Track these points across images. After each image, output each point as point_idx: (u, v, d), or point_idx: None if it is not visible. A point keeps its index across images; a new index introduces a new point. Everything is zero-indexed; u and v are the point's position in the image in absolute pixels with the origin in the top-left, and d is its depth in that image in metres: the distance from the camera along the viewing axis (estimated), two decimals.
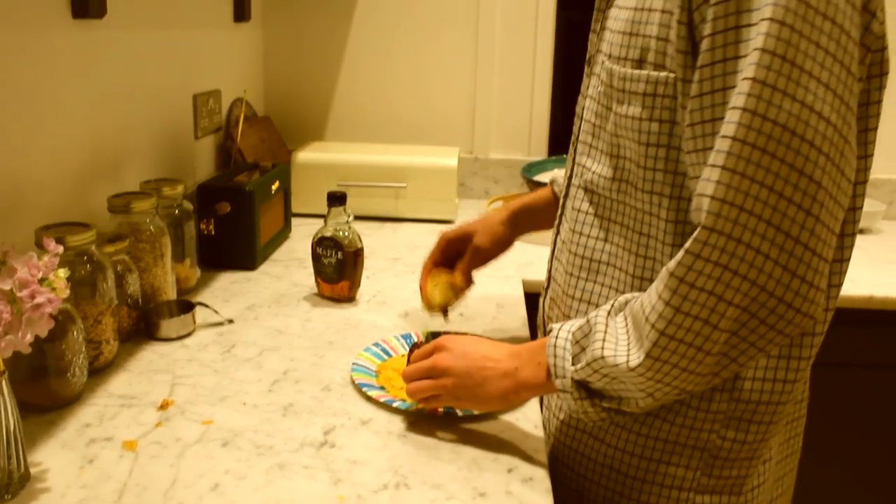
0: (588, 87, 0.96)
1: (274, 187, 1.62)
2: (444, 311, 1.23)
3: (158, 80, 1.53)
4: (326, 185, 1.85)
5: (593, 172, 0.92)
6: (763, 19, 0.68)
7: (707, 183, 0.71)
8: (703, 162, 0.75)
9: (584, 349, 0.82)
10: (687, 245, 0.72)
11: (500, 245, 1.27)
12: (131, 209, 1.21)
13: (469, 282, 1.24)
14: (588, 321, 0.83)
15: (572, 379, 0.82)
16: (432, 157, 1.95)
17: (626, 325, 0.79)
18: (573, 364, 0.83)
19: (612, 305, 0.83)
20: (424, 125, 2.23)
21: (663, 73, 0.80)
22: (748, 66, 0.69)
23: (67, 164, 1.23)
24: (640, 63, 0.83)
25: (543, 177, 2.00)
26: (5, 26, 1.06)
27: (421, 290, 1.24)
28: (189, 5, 1.67)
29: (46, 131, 1.17)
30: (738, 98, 0.69)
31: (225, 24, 1.90)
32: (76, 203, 1.26)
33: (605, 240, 0.92)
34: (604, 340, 0.79)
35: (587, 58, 1.00)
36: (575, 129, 1.00)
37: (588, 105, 0.95)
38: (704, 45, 0.73)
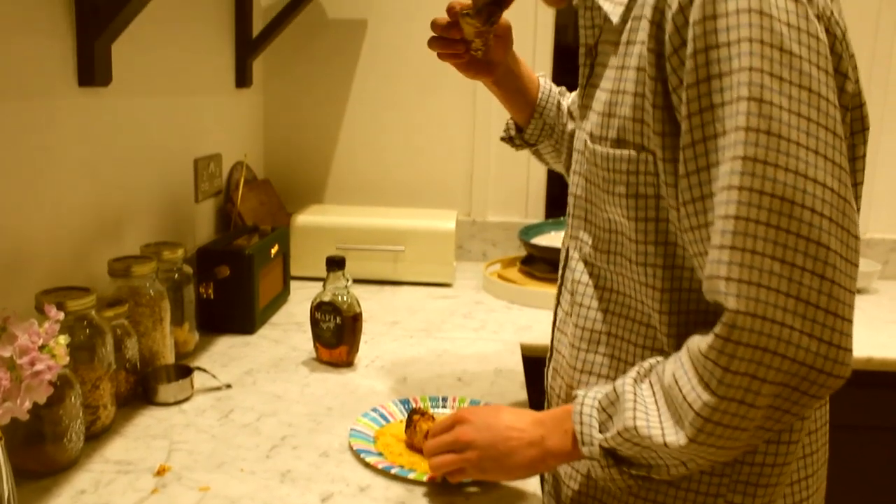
0: (576, 164, 0.98)
1: (273, 251, 1.63)
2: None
3: (161, 144, 1.55)
4: (325, 249, 1.86)
5: (589, 246, 0.94)
6: (741, 98, 0.70)
7: (719, 265, 0.71)
8: (701, 239, 0.76)
9: (611, 417, 0.82)
10: (716, 330, 0.71)
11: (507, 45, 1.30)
12: (131, 273, 1.22)
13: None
14: (614, 389, 0.83)
15: (600, 447, 0.82)
16: (430, 221, 1.96)
17: (655, 396, 0.79)
18: (601, 432, 0.82)
19: (637, 372, 0.83)
20: (422, 188, 2.26)
21: (643, 153, 0.82)
22: (736, 145, 0.70)
23: (69, 228, 1.24)
24: (618, 142, 0.84)
25: (541, 239, 2.01)
26: (14, 94, 1.08)
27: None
28: (193, 72, 1.70)
29: (49, 196, 1.18)
30: (732, 177, 0.70)
31: (227, 89, 1.94)
32: (77, 266, 1.26)
33: (606, 310, 0.93)
34: (634, 410, 0.79)
35: (574, 133, 1.03)
36: (569, 202, 1.01)
37: (577, 181, 0.97)
38: (685, 125, 0.74)
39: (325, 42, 2.21)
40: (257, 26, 2.05)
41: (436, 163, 2.24)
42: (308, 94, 2.23)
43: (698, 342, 0.74)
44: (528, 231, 2.09)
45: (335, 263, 1.36)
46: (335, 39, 2.21)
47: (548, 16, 2.16)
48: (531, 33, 2.17)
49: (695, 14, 0.72)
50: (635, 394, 0.80)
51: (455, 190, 2.26)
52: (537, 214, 2.25)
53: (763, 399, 0.71)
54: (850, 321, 0.72)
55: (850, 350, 0.72)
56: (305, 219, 1.96)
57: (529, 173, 2.24)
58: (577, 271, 0.97)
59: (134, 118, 1.43)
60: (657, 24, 0.77)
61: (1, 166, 1.07)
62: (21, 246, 1.12)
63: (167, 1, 1.51)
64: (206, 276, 1.51)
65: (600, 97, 0.88)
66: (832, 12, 0.76)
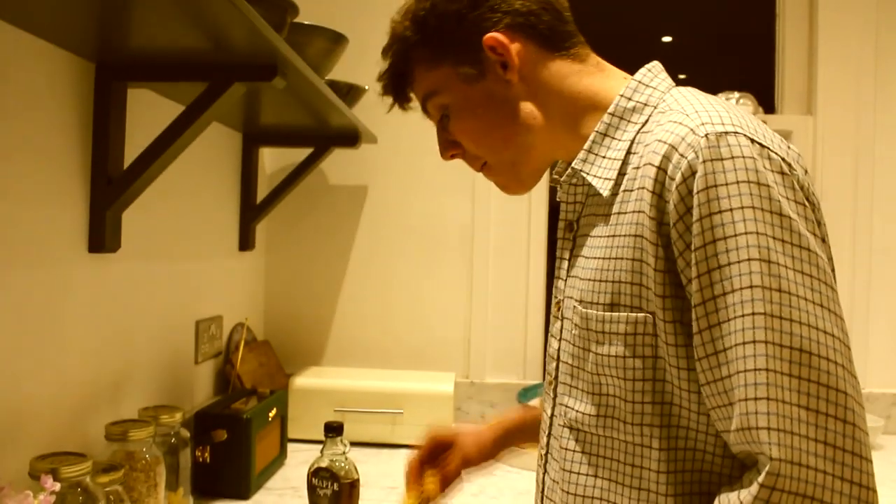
0: (561, 331, 1.00)
1: (271, 414, 1.62)
2: None
3: (164, 307, 1.58)
4: (323, 411, 1.86)
5: (577, 411, 0.94)
6: (751, 259, 0.76)
7: (756, 416, 0.74)
8: (719, 392, 0.78)
9: None
10: (760, 479, 0.73)
11: (485, 457, 1.26)
12: (128, 438, 1.21)
13: (444, 488, 1.22)
14: None
15: None
16: (428, 384, 1.96)
17: None
18: None
19: None
20: (421, 350, 2.27)
21: (641, 314, 0.85)
22: (753, 302, 0.75)
23: (69, 391, 1.25)
24: (612, 306, 0.88)
25: (539, 401, 2.01)
26: (25, 261, 1.12)
27: (406, 486, 1.21)
28: (198, 236, 1.75)
29: (51, 359, 1.20)
30: (755, 332, 0.75)
31: (230, 253, 1.99)
32: (75, 428, 1.26)
33: (596, 475, 0.92)
34: None
35: (554, 303, 1.04)
36: (550, 369, 1.02)
37: (563, 347, 0.98)
38: (695, 286, 0.79)
39: (327, 207, 2.29)
40: (261, 191, 2.13)
41: (434, 325, 2.27)
42: (309, 258, 2.29)
43: (736, 497, 0.75)
44: (525, 393, 2.08)
45: (333, 430, 1.35)
46: (336, 205, 2.29)
47: (539, 242, 2.24)
48: (524, 261, 2.26)
49: (698, 185, 0.78)
50: None
51: (453, 351, 2.27)
52: (535, 375, 2.26)
53: None
54: (871, 461, 0.75)
55: (875, 490, 0.74)
56: (304, 381, 1.96)
57: (527, 335, 2.26)
58: (564, 438, 0.96)
59: (139, 282, 1.47)
60: (658, 194, 0.82)
61: (6, 331, 1.09)
62: (20, 408, 1.12)
63: (176, 169, 1.57)
64: (203, 440, 1.49)
65: (588, 265, 0.92)
66: (808, 184, 0.83)
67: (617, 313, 0.87)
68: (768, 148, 0.80)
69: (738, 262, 0.76)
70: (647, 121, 0.92)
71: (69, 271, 1.24)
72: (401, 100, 1.07)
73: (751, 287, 0.75)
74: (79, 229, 1.26)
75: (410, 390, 1.94)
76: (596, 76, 0.99)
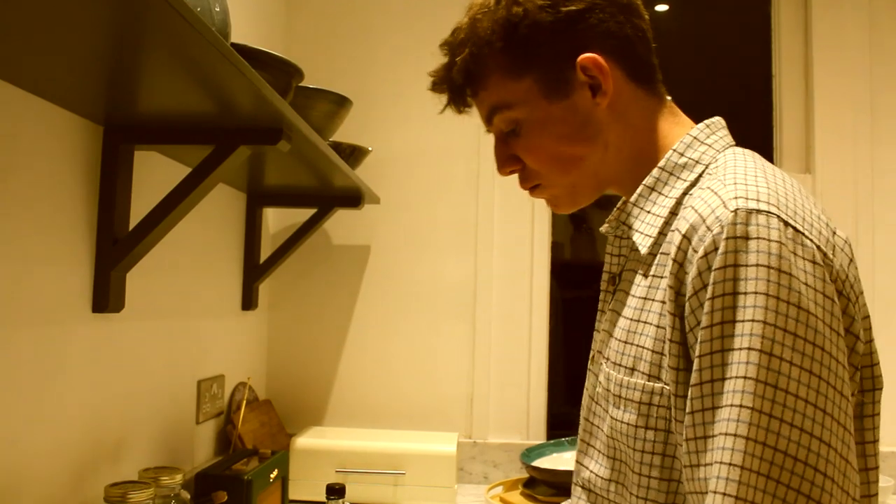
0: (591, 387, 0.98)
1: (272, 475, 1.61)
2: None
3: (166, 367, 1.58)
4: (325, 472, 1.84)
5: (590, 472, 0.93)
6: (751, 349, 0.71)
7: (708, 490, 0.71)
8: (695, 478, 0.75)
9: None
10: None
11: None
12: (128, 500, 1.20)
13: None
14: None
15: None
16: (431, 444, 1.95)
17: None
18: None
19: None
20: (423, 410, 2.26)
21: (658, 384, 0.83)
22: (743, 393, 0.71)
23: (68, 453, 1.24)
24: (631, 371, 0.86)
25: (543, 461, 1.99)
26: (29, 321, 1.13)
27: None
28: (201, 296, 1.76)
29: (51, 420, 1.20)
30: (738, 426, 0.70)
31: (233, 312, 1.99)
32: (73, 490, 1.25)
33: None
34: None
35: (591, 355, 1.02)
36: (581, 423, 1.00)
37: (587, 404, 0.97)
38: (696, 364, 0.76)
39: (330, 267, 2.30)
40: (265, 251, 2.15)
41: (436, 385, 2.26)
42: (311, 317, 2.29)
43: None
44: (529, 453, 2.06)
45: (335, 492, 1.35)
46: (339, 265, 2.30)
47: (544, 234, 2.26)
48: (526, 321, 2.27)
49: (718, 262, 0.75)
50: None
51: (455, 411, 2.26)
52: (538, 436, 2.24)
53: None
54: None
55: None
56: (305, 441, 1.94)
57: (530, 394, 2.25)
58: (575, 497, 0.96)
59: (141, 342, 1.47)
60: (680, 263, 0.80)
61: (6, 389, 1.09)
62: (19, 469, 1.12)
63: (181, 229, 1.59)
64: (204, 502, 1.48)
65: (620, 324, 0.91)
66: (847, 275, 0.78)
67: (635, 379, 0.85)
68: (803, 233, 0.76)
69: (739, 349, 0.72)
70: (696, 179, 0.89)
71: (72, 331, 1.24)
72: (458, 103, 1.00)
73: (745, 378, 0.71)
74: (83, 289, 1.27)
75: (413, 451, 1.92)
76: (669, 119, 0.97)
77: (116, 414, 1.39)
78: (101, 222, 1.30)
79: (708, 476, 0.73)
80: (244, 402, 1.92)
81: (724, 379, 0.73)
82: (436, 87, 1.00)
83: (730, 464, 0.70)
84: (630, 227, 0.93)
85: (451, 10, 2.31)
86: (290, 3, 2.35)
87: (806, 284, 0.73)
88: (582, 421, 0.98)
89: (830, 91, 2.25)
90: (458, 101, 0.99)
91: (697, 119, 0.98)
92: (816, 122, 2.25)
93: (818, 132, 2.25)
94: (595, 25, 0.91)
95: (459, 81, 0.95)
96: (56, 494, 1.21)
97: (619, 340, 0.89)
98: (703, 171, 0.90)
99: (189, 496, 1.40)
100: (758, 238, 0.74)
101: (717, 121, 0.97)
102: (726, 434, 0.71)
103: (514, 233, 2.26)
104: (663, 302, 0.83)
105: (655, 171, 0.92)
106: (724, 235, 0.75)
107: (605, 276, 1.01)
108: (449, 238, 2.29)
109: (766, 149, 2.39)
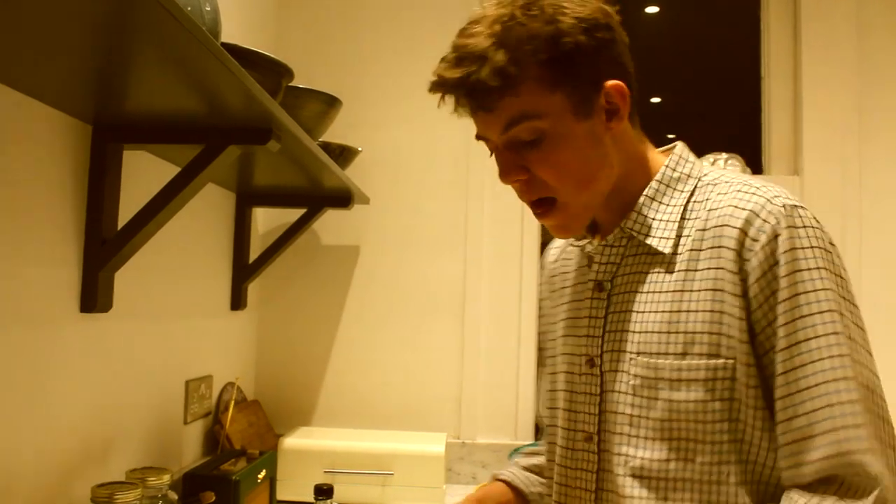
0: (604, 384, 1.03)
1: (260, 476, 1.61)
2: None
3: (154, 367, 1.58)
4: (313, 472, 1.84)
5: (643, 458, 0.98)
6: (831, 310, 0.90)
7: (856, 441, 0.86)
8: (802, 426, 0.89)
9: None
10: (875, 494, 0.85)
11: None
12: (114, 501, 1.19)
13: None
14: None
15: None
16: (419, 445, 1.95)
17: None
18: None
19: None
20: (412, 411, 2.26)
21: (720, 360, 0.94)
22: (838, 345, 0.89)
23: (55, 453, 1.24)
24: (683, 355, 0.96)
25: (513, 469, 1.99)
26: (17, 321, 1.12)
27: None
28: (190, 296, 1.75)
29: (38, 420, 1.19)
30: (844, 370, 0.88)
31: (222, 312, 1.99)
32: (60, 491, 1.24)
33: None
34: None
35: (586, 360, 1.07)
36: (591, 423, 1.05)
37: (618, 399, 1.01)
38: (781, 332, 0.91)
39: (319, 267, 2.30)
40: (254, 251, 2.14)
41: (425, 385, 2.26)
42: (300, 318, 2.29)
43: None
44: (517, 454, 2.06)
45: (323, 492, 1.35)
46: (328, 265, 2.30)
47: (534, 235, 2.26)
48: (515, 322, 2.27)
49: (783, 247, 0.92)
50: None
51: (444, 411, 2.26)
52: (527, 436, 2.24)
53: None
54: None
55: None
56: (293, 442, 1.94)
57: (518, 395, 2.25)
58: (627, 487, 0.99)
59: (130, 342, 1.46)
60: (738, 252, 0.94)
61: None
62: (5, 470, 1.11)
63: (170, 229, 1.58)
64: (192, 503, 1.47)
65: (647, 318, 0.99)
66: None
67: (692, 361, 0.95)
68: (820, 223, 0.96)
69: (820, 312, 0.90)
70: (693, 190, 1.03)
71: (60, 331, 1.24)
72: (483, 104, 0.98)
73: (835, 333, 0.89)
74: (71, 289, 1.26)
75: (401, 451, 1.92)
76: (644, 144, 1.08)
77: (104, 414, 1.38)
78: (90, 222, 1.29)
79: (823, 418, 0.87)
80: (232, 402, 1.91)
81: (809, 339, 0.89)
82: (453, 87, 0.98)
83: (850, 401, 0.87)
84: (637, 234, 1.03)
85: (442, 12, 2.32)
86: (281, 3, 2.35)
87: (839, 258, 0.95)
88: (610, 416, 1.02)
89: (819, 94, 2.26)
90: (484, 101, 0.98)
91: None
92: (805, 125, 2.26)
93: (806, 135, 2.26)
94: (615, 57, 1.00)
95: (494, 83, 0.95)
96: (43, 495, 1.20)
97: (659, 332, 0.98)
98: (696, 184, 1.04)
99: (177, 497, 1.40)
100: (804, 227, 0.93)
101: (684, 144, 1.10)
102: (836, 380, 0.88)
103: (504, 234, 2.26)
104: (715, 290, 0.95)
105: (654, 184, 1.04)
106: (782, 225, 0.92)
107: (589, 285, 1.09)
108: (438, 239, 2.29)
109: (754, 151, 2.40)
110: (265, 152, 1.34)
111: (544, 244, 2.32)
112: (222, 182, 1.88)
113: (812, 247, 0.92)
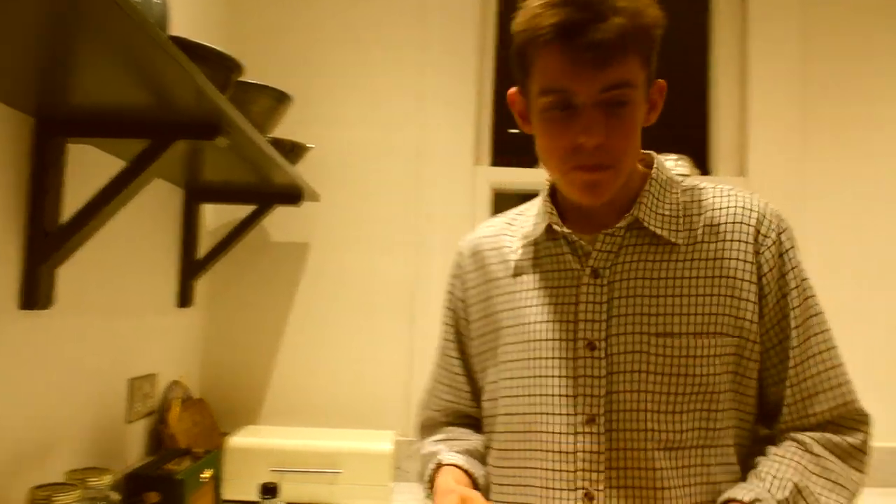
0: (610, 365, 1.08)
1: (205, 475, 1.59)
2: None
3: (96, 365, 1.54)
4: (259, 471, 1.82)
5: (671, 431, 1.06)
6: (814, 295, 1.13)
7: (850, 394, 1.11)
8: (810, 384, 1.10)
9: None
10: (854, 432, 1.09)
11: None
12: (53, 503, 1.17)
13: None
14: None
15: None
16: (367, 443, 1.95)
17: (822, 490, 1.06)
18: None
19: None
20: (361, 409, 2.25)
21: (734, 339, 1.08)
22: (824, 322, 1.13)
23: None
24: (703, 335, 1.07)
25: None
26: None
27: None
28: (135, 293, 1.72)
29: None
30: (831, 342, 1.12)
31: (168, 309, 1.96)
32: None
33: (690, 484, 1.07)
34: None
35: (586, 343, 1.10)
36: (595, 405, 1.08)
37: (632, 378, 1.07)
38: (795, 313, 1.10)
39: (268, 264, 2.28)
40: (203, 248, 2.11)
41: (375, 383, 2.26)
42: (248, 315, 2.27)
43: (836, 439, 1.08)
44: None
45: (269, 491, 1.33)
46: (278, 262, 2.28)
47: None
48: None
49: (786, 244, 1.12)
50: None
51: (393, 410, 2.25)
52: None
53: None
54: None
55: None
56: (239, 441, 1.92)
57: None
58: (654, 460, 1.05)
59: (71, 339, 1.43)
60: (754, 246, 1.10)
61: None
62: None
63: (115, 224, 1.56)
64: (135, 503, 1.45)
65: (657, 303, 1.08)
66: None
67: (712, 339, 1.07)
68: None
69: (812, 296, 1.12)
70: (680, 192, 1.16)
71: None
72: (596, 52, 0.99)
73: (820, 313, 1.12)
74: (10, 285, 1.23)
75: (349, 450, 1.91)
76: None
77: (43, 413, 1.35)
78: (32, 216, 1.27)
79: (827, 378, 1.10)
80: (177, 400, 1.88)
81: (810, 317, 1.11)
82: (576, 28, 0.99)
83: (839, 365, 1.12)
84: (648, 224, 1.11)
85: (395, 10, 2.32)
86: None
87: None
88: (632, 395, 1.06)
89: (765, 96, 2.31)
90: (598, 54, 0.99)
91: None
92: (751, 127, 2.31)
93: (752, 136, 2.30)
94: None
95: (618, 42, 0.99)
96: None
97: (678, 314, 1.08)
98: (680, 189, 1.16)
99: (119, 497, 1.37)
100: (789, 229, 1.13)
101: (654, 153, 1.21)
102: (829, 349, 1.11)
103: (454, 231, 2.26)
104: (731, 277, 1.09)
105: (653, 184, 1.15)
106: (783, 226, 1.12)
107: (579, 273, 1.13)
108: (388, 236, 2.29)
109: (701, 152, 2.44)
110: (214, 148, 1.32)
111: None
112: (170, 177, 1.85)
113: (795, 246, 1.13)
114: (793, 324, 1.09)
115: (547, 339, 1.13)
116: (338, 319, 2.27)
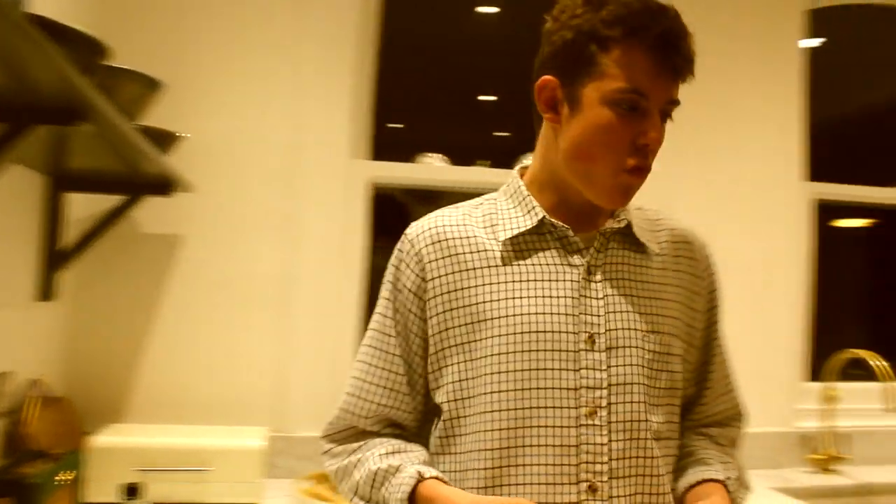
0: (610, 359, 1.11)
1: (62, 477, 1.52)
2: None
3: None
4: (125, 471, 1.75)
5: (658, 423, 1.14)
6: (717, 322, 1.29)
7: (737, 396, 1.32)
8: (724, 386, 1.31)
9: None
10: (740, 427, 1.32)
11: None
12: None
13: None
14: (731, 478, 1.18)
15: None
16: (238, 439, 1.91)
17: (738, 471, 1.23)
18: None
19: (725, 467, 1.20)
20: (232, 405, 2.20)
21: (687, 343, 1.21)
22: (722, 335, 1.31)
23: None
24: (671, 336, 1.18)
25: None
26: None
27: None
28: None
29: None
30: (725, 349, 1.30)
31: (25, 303, 1.85)
32: None
33: (668, 467, 1.17)
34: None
35: (587, 336, 1.12)
36: (599, 397, 1.10)
37: (630, 371, 1.12)
38: (712, 328, 1.28)
39: (138, 257, 2.20)
40: (68, 239, 2.01)
41: (247, 378, 2.22)
42: (116, 309, 2.18)
43: (730, 433, 1.30)
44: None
45: (132, 491, 1.29)
46: (148, 254, 2.20)
47: (358, 227, 2.25)
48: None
49: (712, 265, 1.28)
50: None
51: (265, 405, 2.22)
52: None
53: None
54: None
55: None
56: (102, 440, 1.84)
57: (340, 388, 2.23)
58: (650, 449, 1.12)
59: None
60: (704, 264, 1.26)
61: None
62: None
63: None
64: None
65: (645, 303, 1.16)
66: None
67: (677, 341, 1.18)
68: None
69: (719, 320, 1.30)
70: (622, 211, 1.20)
71: None
72: (687, 63, 1.11)
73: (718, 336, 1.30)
74: None
75: (218, 446, 1.87)
76: None
77: None
78: None
79: (729, 382, 1.31)
80: (34, 399, 1.79)
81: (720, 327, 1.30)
82: (683, 39, 1.10)
83: (730, 374, 1.32)
84: (633, 234, 1.18)
85: (273, 1, 2.28)
86: None
87: None
88: (629, 387, 1.12)
89: None
90: (687, 66, 1.11)
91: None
92: None
93: None
94: None
95: (689, 63, 1.11)
96: None
97: (657, 315, 1.16)
98: (621, 210, 1.21)
99: None
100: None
101: None
102: (726, 357, 1.31)
103: (329, 224, 2.25)
104: (686, 288, 1.22)
105: None
106: (708, 248, 1.28)
107: (571, 269, 1.15)
108: (263, 229, 2.25)
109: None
110: (81, 135, 1.26)
111: (375, 236, 2.33)
112: (32, 164, 1.76)
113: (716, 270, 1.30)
114: (714, 334, 1.27)
115: (544, 332, 1.11)
116: (209, 314, 2.21)
